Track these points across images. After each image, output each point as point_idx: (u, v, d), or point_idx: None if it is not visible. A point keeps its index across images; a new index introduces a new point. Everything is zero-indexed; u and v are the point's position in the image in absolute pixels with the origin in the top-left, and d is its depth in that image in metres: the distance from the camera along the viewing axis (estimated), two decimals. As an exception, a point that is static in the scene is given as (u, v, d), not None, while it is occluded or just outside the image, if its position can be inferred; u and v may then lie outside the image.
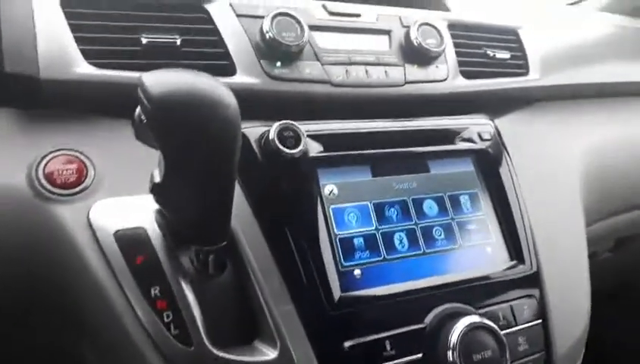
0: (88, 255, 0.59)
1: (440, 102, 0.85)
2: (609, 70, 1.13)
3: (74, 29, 0.66)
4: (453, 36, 0.90)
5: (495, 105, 0.93)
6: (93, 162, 0.64)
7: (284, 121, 0.67)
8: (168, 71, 0.51)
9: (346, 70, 0.77)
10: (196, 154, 0.51)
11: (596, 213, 1.00)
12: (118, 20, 0.69)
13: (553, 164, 0.92)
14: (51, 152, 0.62)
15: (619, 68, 1.15)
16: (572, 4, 1.43)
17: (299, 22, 0.73)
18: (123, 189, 0.63)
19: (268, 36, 0.72)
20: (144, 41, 0.68)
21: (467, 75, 0.88)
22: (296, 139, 0.67)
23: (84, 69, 0.64)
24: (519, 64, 0.97)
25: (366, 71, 0.78)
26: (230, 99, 0.51)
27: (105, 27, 0.68)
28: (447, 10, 0.97)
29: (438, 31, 0.84)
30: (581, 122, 1.05)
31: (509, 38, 0.98)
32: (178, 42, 0.70)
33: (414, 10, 0.90)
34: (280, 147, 0.66)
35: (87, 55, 0.65)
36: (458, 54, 0.89)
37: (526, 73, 0.97)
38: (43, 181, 0.61)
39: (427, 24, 0.83)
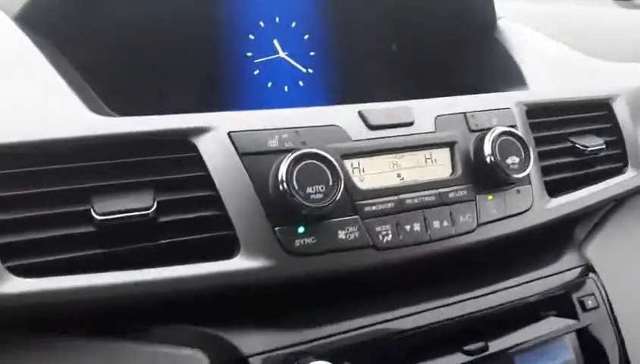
0: None
1: (520, 240, 0.61)
2: None
3: None
4: (534, 128, 0.65)
5: (582, 219, 0.71)
6: None
7: None
8: None
9: (397, 223, 0.53)
10: None
11: None
12: (56, 183, 0.45)
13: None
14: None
15: None
16: None
17: (331, 165, 0.49)
18: None
19: (283, 188, 0.47)
20: (98, 218, 0.44)
21: (553, 189, 0.65)
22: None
23: (5, 286, 0.41)
24: (614, 156, 0.73)
25: (424, 219, 0.54)
26: None
27: (36, 199, 0.44)
28: (525, 85, 0.71)
29: (522, 142, 0.59)
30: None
31: (601, 115, 0.74)
32: (152, 209, 0.46)
33: (479, 97, 0.65)
34: None
35: (7, 255, 0.42)
36: (541, 156, 0.65)
37: (623, 168, 0.73)
38: None
39: (505, 134, 0.58)
